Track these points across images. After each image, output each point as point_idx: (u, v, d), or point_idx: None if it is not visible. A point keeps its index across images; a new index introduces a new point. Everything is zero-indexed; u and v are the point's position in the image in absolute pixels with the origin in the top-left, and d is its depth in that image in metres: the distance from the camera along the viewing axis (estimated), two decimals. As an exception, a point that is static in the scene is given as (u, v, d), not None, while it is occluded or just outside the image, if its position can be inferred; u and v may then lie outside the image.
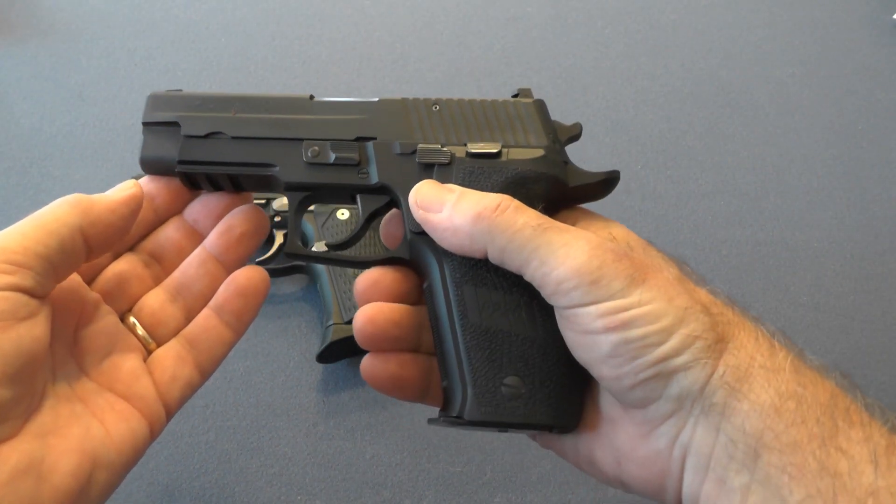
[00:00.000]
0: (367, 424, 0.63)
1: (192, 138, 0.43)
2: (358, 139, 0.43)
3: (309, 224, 0.69)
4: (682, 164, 0.82)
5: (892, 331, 0.71)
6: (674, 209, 0.79)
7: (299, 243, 0.44)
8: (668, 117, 0.87)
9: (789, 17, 0.98)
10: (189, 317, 0.43)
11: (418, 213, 0.39)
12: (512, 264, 0.36)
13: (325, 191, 0.43)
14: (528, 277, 0.36)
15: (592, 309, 0.33)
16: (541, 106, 0.43)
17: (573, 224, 0.39)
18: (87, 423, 0.36)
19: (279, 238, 0.70)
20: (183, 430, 0.62)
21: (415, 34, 0.94)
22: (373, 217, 0.43)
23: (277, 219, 0.70)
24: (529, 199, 0.39)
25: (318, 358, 0.64)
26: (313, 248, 0.66)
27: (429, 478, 0.61)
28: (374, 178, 0.42)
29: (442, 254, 0.39)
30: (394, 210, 0.43)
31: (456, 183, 0.40)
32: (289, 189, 0.43)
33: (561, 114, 0.85)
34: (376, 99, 0.44)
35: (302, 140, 0.43)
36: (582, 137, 0.89)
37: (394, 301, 0.42)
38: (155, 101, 0.44)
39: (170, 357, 0.41)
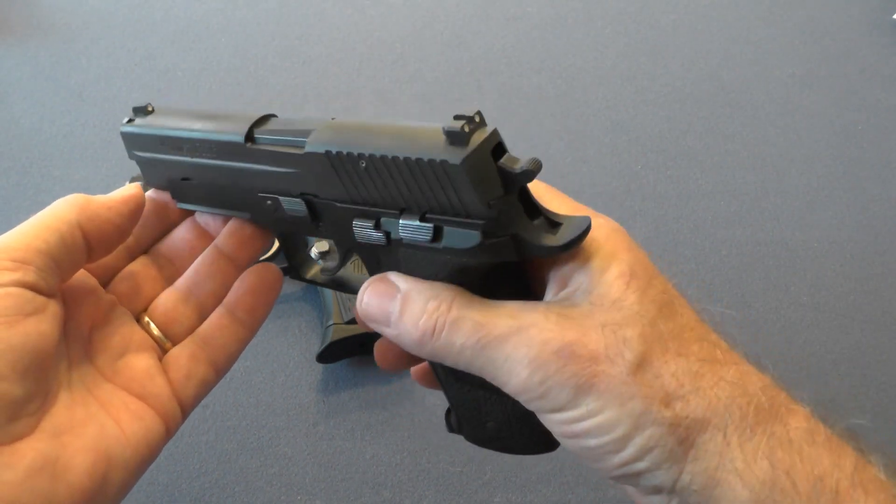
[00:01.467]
0: (367, 424, 0.63)
1: (175, 180, 0.42)
2: (301, 195, 0.38)
3: (309, 224, 0.69)
4: (682, 164, 0.82)
5: (893, 331, 0.71)
6: (674, 209, 0.79)
7: (299, 270, 0.46)
8: (668, 117, 0.87)
9: (789, 17, 0.98)
10: (202, 315, 0.44)
11: (370, 325, 0.37)
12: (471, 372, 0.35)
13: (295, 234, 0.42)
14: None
15: (550, 417, 0.33)
16: (474, 164, 0.31)
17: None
18: (102, 423, 0.36)
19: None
20: (183, 430, 0.62)
21: (415, 34, 0.94)
22: (349, 254, 0.42)
23: (277, 219, 0.70)
24: (481, 278, 0.35)
25: (318, 358, 0.64)
26: (313, 249, 0.67)
27: (429, 478, 0.61)
28: (329, 235, 0.39)
29: None
30: None
31: (402, 263, 0.36)
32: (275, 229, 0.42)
33: (561, 114, 0.86)
34: (304, 144, 0.36)
35: (256, 192, 0.39)
36: (582, 137, 0.89)
37: None
38: (129, 140, 0.42)
39: (184, 356, 0.42)
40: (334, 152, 0.35)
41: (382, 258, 0.37)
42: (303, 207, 0.38)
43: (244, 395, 0.64)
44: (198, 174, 0.40)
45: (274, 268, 0.45)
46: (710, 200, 0.79)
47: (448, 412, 0.42)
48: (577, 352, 0.31)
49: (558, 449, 0.54)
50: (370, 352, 0.66)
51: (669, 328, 0.32)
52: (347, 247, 0.39)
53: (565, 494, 0.60)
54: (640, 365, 0.31)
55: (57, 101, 0.84)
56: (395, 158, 0.33)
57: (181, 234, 0.44)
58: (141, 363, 0.40)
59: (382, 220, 0.35)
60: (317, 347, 0.65)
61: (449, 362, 0.34)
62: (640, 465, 0.31)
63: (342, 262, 0.43)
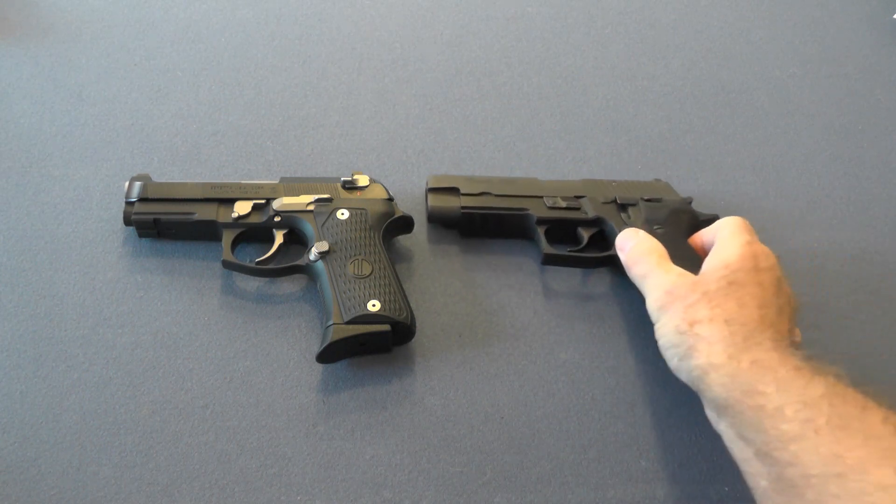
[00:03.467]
0: (367, 424, 0.63)
1: (469, 195, 0.71)
2: (576, 197, 0.72)
3: (309, 224, 0.69)
4: (682, 164, 0.83)
5: (892, 331, 0.71)
6: (674, 209, 0.79)
7: None
8: (668, 117, 0.87)
9: (789, 17, 0.98)
10: None
11: (617, 245, 0.67)
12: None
13: (558, 224, 0.71)
14: None
15: (659, 324, 0.60)
16: (670, 185, 0.75)
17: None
18: None
19: (279, 238, 0.70)
20: (182, 430, 0.62)
21: (415, 34, 0.94)
22: (592, 240, 0.71)
23: (277, 219, 0.70)
24: (679, 221, 0.70)
25: (318, 358, 0.64)
26: (313, 249, 0.67)
27: (429, 478, 0.61)
28: (591, 214, 0.71)
29: None
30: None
31: (643, 214, 0.71)
32: (539, 223, 0.70)
33: (561, 114, 0.86)
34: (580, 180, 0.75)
35: (542, 196, 0.72)
36: (582, 138, 0.89)
37: None
38: (436, 178, 0.73)
39: None
40: (600, 179, 0.76)
41: (632, 208, 0.72)
42: (575, 200, 0.72)
43: (244, 395, 0.64)
44: (499, 189, 0.73)
45: None
46: (710, 200, 0.79)
47: None
48: (671, 291, 0.59)
49: (559, 449, 0.55)
50: (370, 352, 0.67)
51: (721, 294, 0.58)
52: (598, 216, 0.71)
53: (565, 494, 0.60)
54: (689, 306, 0.57)
55: (57, 101, 0.84)
56: (635, 182, 0.75)
57: None
58: None
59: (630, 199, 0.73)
60: (317, 347, 0.65)
61: (634, 280, 0.64)
62: (671, 352, 0.57)
63: (587, 246, 0.71)
